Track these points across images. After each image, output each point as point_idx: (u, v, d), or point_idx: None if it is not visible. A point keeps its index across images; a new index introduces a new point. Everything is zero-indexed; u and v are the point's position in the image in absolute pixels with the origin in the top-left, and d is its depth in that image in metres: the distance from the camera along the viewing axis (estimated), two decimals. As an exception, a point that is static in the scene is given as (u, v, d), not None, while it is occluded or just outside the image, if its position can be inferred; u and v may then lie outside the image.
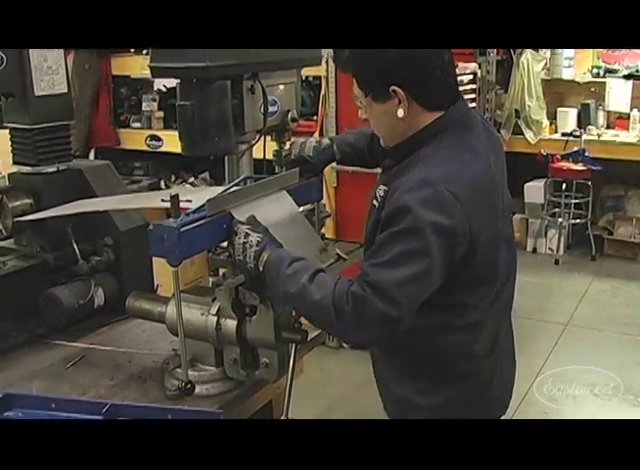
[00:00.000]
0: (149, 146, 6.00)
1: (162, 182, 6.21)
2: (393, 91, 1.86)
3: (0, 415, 2.01)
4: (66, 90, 2.62)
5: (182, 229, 1.77)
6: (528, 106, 7.18)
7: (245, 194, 1.98)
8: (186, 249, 1.84)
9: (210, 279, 2.36)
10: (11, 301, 2.52)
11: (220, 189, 2.08)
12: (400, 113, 1.88)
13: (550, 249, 7.35)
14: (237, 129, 2.33)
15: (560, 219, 7.19)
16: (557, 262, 7.11)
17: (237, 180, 2.07)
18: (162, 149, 5.94)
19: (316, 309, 1.80)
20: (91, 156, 6.03)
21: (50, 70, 2.56)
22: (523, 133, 7.24)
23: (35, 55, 2.50)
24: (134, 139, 6.11)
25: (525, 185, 7.34)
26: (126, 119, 6.21)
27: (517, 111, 7.25)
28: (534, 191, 7.33)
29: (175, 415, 1.94)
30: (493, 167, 1.94)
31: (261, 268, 1.88)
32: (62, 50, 2.61)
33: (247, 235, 1.90)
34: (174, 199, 1.78)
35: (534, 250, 7.44)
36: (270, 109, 2.47)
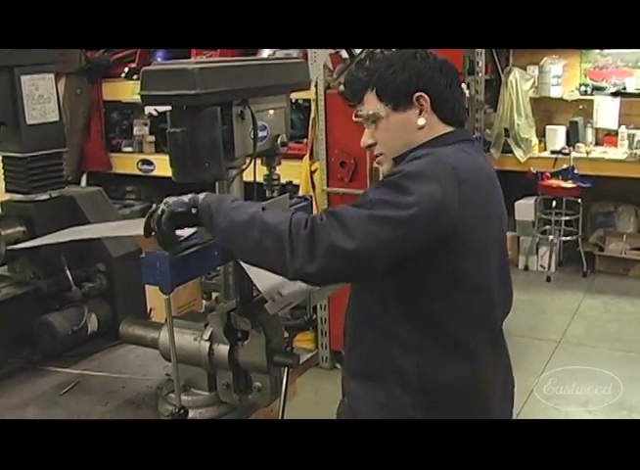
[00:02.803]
0: (140, 170, 6.02)
1: (154, 205, 6.20)
2: (418, 98, 1.89)
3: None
4: (57, 118, 2.65)
5: (174, 257, 1.80)
6: (517, 124, 7.23)
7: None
8: (178, 276, 1.85)
9: (203, 303, 2.37)
10: (4, 328, 2.53)
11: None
12: (422, 121, 1.90)
13: (542, 266, 7.38)
14: (227, 155, 2.34)
15: (551, 237, 7.23)
16: (549, 280, 7.14)
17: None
18: (154, 173, 5.96)
19: (268, 235, 1.69)
20: (83, 181, 6.05)
21: (42, 98, 2.58)
22: (512, 151, 7.29)
23: (27, 84, 2.53)
24: (126, 163, 6.13)
25: (516, 203, 7.37)
26: (118, 144, 6.23)
27: (506, 129, 7.31)
28: (525, 209, 7.38)
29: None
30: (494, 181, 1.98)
31: (196, 208, 1.83)
32: (52, 78, 2.64)
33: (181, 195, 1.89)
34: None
35: (526, 267, 7.47)
36: (260, 134, 2.48)
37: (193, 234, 1.89)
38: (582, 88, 7.45)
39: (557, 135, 7.48)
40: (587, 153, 7.16)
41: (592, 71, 7.52)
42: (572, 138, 7.35)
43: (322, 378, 4.91)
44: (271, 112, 2.55)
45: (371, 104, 1.94)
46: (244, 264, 1.90)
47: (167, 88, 2.20)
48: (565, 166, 7.00)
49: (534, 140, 7.42)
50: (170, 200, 1.87)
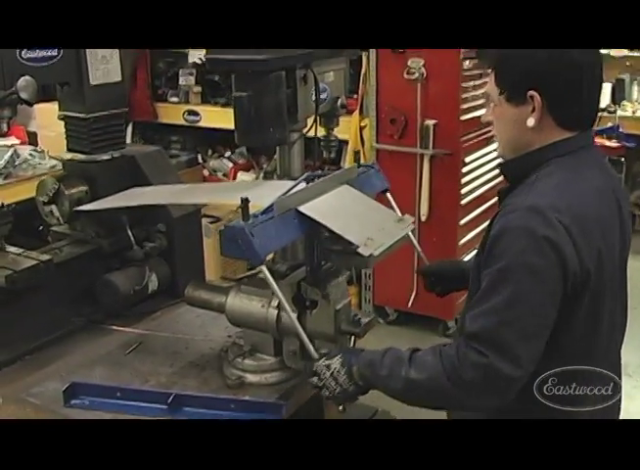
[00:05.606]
0: (186, 120, 6.00)
1: (200, 156, 6.24)
2: (531, 97, 1.72)
3: (67, 403, 2.08)
4: (119, 78, 2.66)
5: (253, 229, 1.79)
6: (564, 80, 7.10)
7: (309, 191, 2.02)
8: (262, 248, 1.83)
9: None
10: (67, 286, 2.58)
11: (276, 183, 2.11)
12: (531, 122, 1.74)
13: (582, 224, 7.29)
14: (290, 118, 2.34)
15: (593, 194, 7.14)
16: (588, 237, 7.04)
17: (299, 179, 2.08)
18: (200, 124, 5.94)
19: (432, 391, 1.72)
20: (129, 130, 6.04)
21: (104, 59, 2.59)
22: (557, 107, 7.16)
23: (90, 44, 2.53)
24: (172, 114, 6.10)
25: (559, 160, 7.26)
26: (164, 94, 6.19)
27: (552, 84, 7.18)
28: (568, 166, 7.27)
29: (238, 406, 2.01)
30: (610, 205, 1.80)
31: (361, 384, 1.83)
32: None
33: (328, 367, 1.85)
34: (245, 202, 1.80)
35: (566, 224, 7.36)
36: (321, 96, 2.48)
37: (270, 207, 1.88)
38: (631, 44, 7.28)
39: (602, 92, 7.32)
40: (633, 112, 7.02)
41: (642, 27, 7.36)
42: (618, 96, 7.20)
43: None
44: (332, 73, 2.54)
45: (490, 84, 1.82)
46: (326, 222, 1.92)
47: (234, 53, 2.18)
48: (609, 125, 6.88)
49: (579, 96, 7.28)
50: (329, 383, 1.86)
